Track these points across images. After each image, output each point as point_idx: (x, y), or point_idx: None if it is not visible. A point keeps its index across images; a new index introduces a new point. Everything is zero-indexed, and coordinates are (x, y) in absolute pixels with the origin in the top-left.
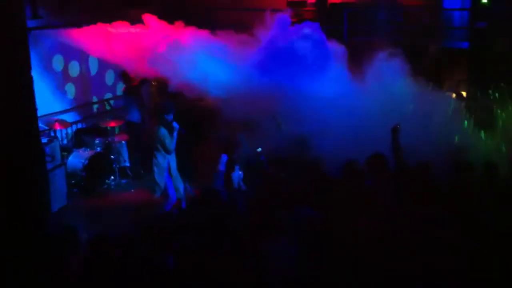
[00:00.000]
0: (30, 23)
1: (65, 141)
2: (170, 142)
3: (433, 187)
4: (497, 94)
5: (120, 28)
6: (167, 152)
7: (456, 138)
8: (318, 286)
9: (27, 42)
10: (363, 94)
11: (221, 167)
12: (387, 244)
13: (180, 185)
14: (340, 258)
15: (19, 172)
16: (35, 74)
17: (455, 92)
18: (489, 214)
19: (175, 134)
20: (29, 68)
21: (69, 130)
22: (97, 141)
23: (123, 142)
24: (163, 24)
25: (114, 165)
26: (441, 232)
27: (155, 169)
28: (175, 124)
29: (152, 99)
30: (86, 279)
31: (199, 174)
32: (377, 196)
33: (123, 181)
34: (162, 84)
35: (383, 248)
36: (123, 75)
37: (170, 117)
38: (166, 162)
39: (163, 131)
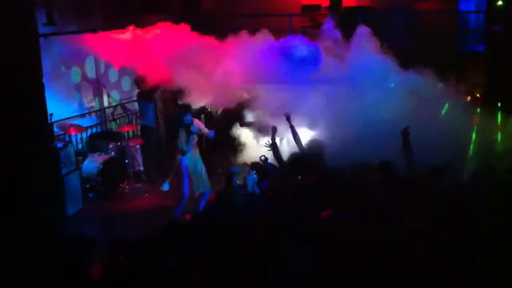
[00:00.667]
0: (45, 29)
1: (80, 146)
2: (185, 145)
3: (436, 190)
4: None
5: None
6: (182, 154)
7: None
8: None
9: (39, 49)
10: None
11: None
12: (387, 245)
13: (199, 187)
14: (342, 258)
15: (33, 177)
16: (49, 79)
17: (471, 96)
18: (489, 215)
19: (191, 138)
20: (40, 75)
21: (84, 135)
22: (111, 146)
23: (137, 146)
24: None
25: (128, 170)
26: (441, 233)
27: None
28: (193, 128)
29: (166, 104)
30: (102, 284)
31: (214, 178)
32: (378, 197)
33: (138, 185)
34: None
35: (384, 249)
36: (137, 80)
37: (187, 120)
38: (183, 164)
39: (179, 135)
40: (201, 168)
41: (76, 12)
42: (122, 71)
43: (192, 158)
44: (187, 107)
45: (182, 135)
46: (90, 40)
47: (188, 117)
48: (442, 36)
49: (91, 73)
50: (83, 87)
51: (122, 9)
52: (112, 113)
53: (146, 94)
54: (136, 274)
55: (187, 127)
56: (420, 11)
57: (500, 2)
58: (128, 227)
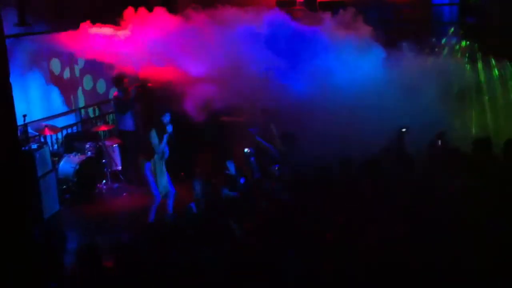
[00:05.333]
0: (18, 30)
1: (55, 147)
2: (158, 145)
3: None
4: None
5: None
6: (152, 155)
7: None
8: None
9: (5, 48)
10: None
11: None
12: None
13: (162, 185)
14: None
15: (6, 180)
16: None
17: None
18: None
19: (165, 137)
20: (7, 74)
21: (59, 136)
22: (87, 146)
23: (114, 146)
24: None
25: (105, 170)
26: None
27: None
28: (169, 128)
29: (144, 104)
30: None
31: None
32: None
33: (115, 185)
34: (153, 88)
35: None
36: (115, 81)
37: (165, 119)
38: (146, 167)
39: (154, 133)
40: (163, 168)
41: (53, 9)
42: (97, 73)
43: (156, 160)
44: (167, 106)
45: (157, 135)
46: (68, 38)
47: (167, 116)
48: (418, 29)
49: (65, 73)
50: (58, 86)
51: (102, 3)
52: (88, 113)
53: (124, 95)
54: (118, 276)
55: (164, 126)
56: (394, 4)
57: None
58: (107, 228)
